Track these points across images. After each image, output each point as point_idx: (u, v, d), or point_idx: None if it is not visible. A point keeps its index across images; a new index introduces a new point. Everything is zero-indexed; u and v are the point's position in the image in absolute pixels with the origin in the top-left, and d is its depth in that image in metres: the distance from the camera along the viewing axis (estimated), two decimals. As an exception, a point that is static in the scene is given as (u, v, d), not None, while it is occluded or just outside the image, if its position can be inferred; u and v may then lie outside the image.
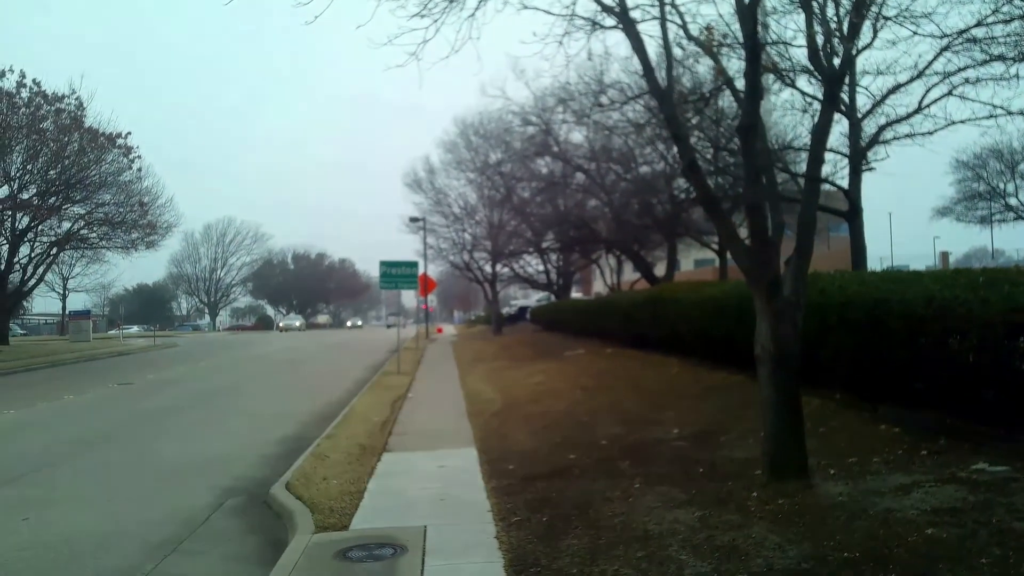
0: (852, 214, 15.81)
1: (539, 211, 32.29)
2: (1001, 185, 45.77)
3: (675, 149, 25.15)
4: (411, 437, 10.56)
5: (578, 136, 28.45)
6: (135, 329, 69.44)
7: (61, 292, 61.54)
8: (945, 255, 56.87)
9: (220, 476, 8.96)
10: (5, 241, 34.30)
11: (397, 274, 21.36)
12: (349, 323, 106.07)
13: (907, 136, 16.12)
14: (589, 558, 4.92)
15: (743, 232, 7.07)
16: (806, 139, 18.10)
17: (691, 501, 6.13)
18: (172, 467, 9.58)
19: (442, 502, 7.02)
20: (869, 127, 16.62)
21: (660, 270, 28.62)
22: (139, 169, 35.57)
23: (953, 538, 4.45)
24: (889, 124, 16.05)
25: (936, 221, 51.24)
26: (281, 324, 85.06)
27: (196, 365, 27.43)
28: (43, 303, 75.59)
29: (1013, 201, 45.55)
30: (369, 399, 14.54)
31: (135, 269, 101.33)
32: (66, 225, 36.43)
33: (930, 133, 16.04)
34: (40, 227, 35.00)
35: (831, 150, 16.41)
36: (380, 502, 7.15)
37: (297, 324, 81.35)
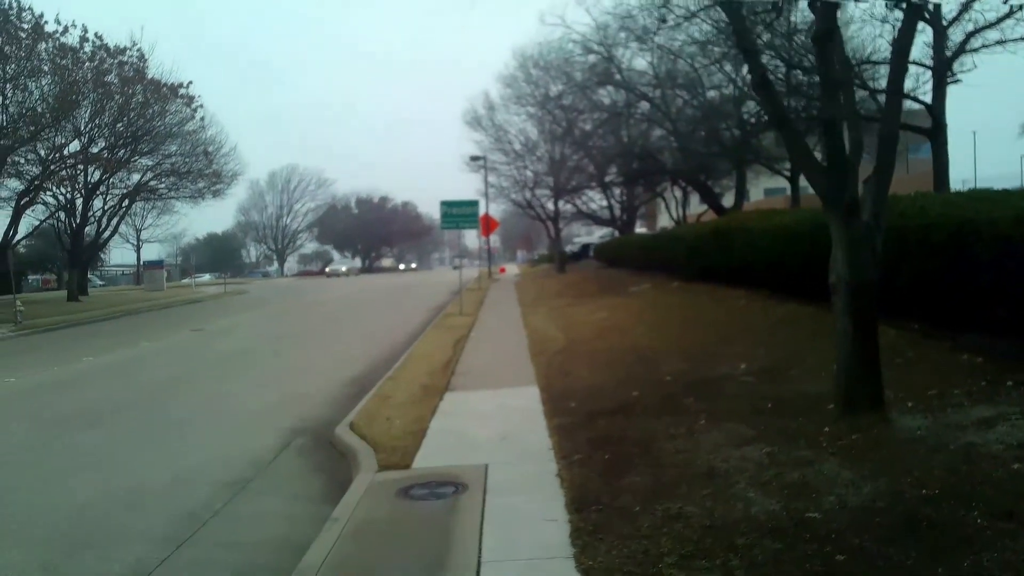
0: (935, 131, 14.77)
1: (601, 143, 31.50)
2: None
3: (744, 69, 24.04)
4: (473, 377, 10.55)
5: (641, 63, 27.43)
6: (207, 277, 71.79)
7: (135, 243, 63.84)
8: (1035, 174, 53.43)
9: (287, 417, 9.14)
10: (79, 195, 35.51)
11: (458, 214, 21.24)
12: (402, 266, 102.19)
13: (997, 43, 14.87)
14: (652, 496, 4.78)
15: (818, 154, 6.61)
16: (886, 52, 16.93)
17: (759, 438, 5.89)
18: (241, 409, 9.83)
19: (504, 441, 6.97)
20: (955, 35, 15.41)
21: (728, 201, 27.70)
22: (202, 118, 36.11)
23: (1045, 474, 4.12)
24: (977, 31, 14.82)
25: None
26: (327, 270, 79.21)
27: (264, 311, 28.19)
28: (119, 254, 78.81)
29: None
30: (431, 340, 14.62)
31: (204, 219, 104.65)
32: (135, 177, 37.46)
33: (1023, 39, 14.75)
34: (111, 180, 36.06)
35: (913, 62, 15.28)
36: (442, 441, 7.15)
37: (343, 269, 75.57)
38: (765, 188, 43.25)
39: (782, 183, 44.23)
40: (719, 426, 6.38)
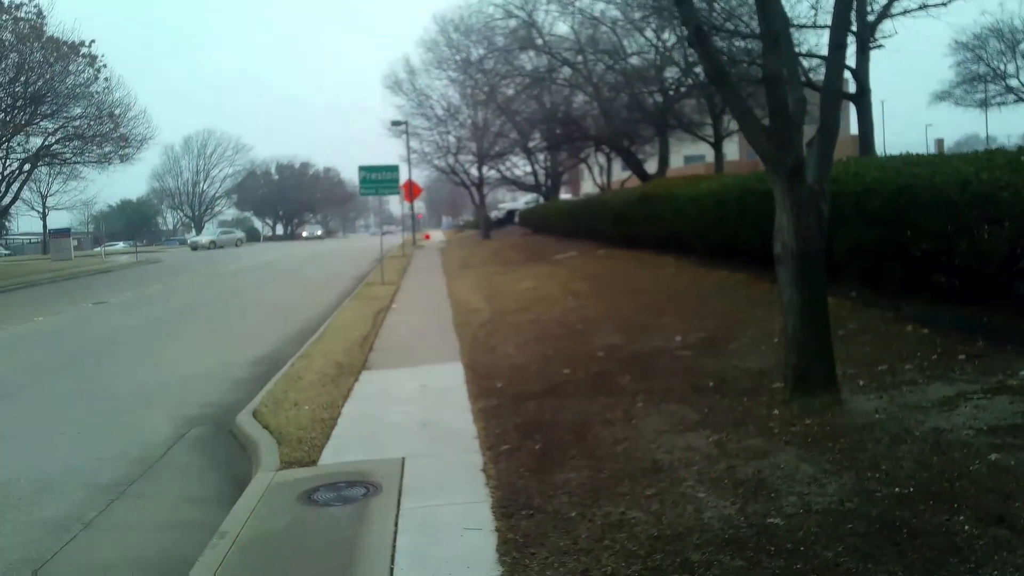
0: (860, 95, 14.66)
1: (524, 109, 30.73)
2: (1001, 66, 44.08)
3: (666, 35, 23.75)
4: (393, 353, 9.83)
5: (563, 27, 26.78)
6: (120, 245, 67.93)
7: (41, 210, 59.80)
8: (940, 142, 55.54)
9: (186, 402, 8.24)
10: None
11: (378, 179, 20.20)
12: (305, 233, 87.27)
13: (920, 8, 14.82)
14: (590, 497, 4.22)
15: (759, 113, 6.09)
16: (809, 17, 16.78)
17: (704, 422, 5.42)
18: (137, 393, 8.84)
19: (424, 427, 6.31)
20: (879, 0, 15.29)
21: (651, 167, 27.47)
22: (106, 79, 33.50)
23: None
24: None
25: (933, 107, 49.71)
26: (191, 240, 64.33)
27: (175, 281, 26.54)
28: (28, 223, 73.94)
29: (1014, 82, 43.98)
30: (350, 312, 13.77)
31: (117, 185, 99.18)
32: (36, 141, 34.69)
33: (944, 3, 14.75)
34: (8, 144, 33.24)
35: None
36: (355, 429, 6.44)
37: (206, 241, 60.04)
38: (685, 155, 43.44)
39: (702, 150, 44.62)
40: (659, 408, 5.89)
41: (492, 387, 7.37)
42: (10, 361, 11.27)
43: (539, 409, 6.35)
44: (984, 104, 46.38)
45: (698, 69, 21.21)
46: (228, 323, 14.70)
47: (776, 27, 5.38)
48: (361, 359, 9.31)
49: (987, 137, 62.50)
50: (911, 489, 3.58)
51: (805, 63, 14.83)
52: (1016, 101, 44.44)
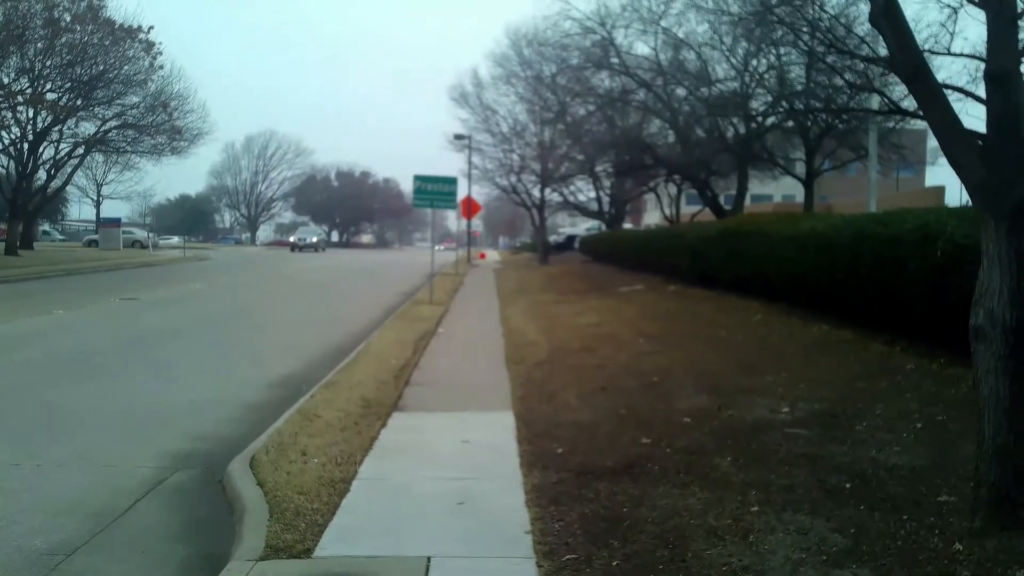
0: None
1: (595, 129, 29.27)
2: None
3: (754, 63, 22.02)
4: (432, 389, 8.37)
5: (643, 48, 25.35)
6: (175, 240, 68.59)
7: (95, 198, 60.60)
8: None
9: (180, 433, 6.91)
10: (26, 141, 32.65)
11: (433, 191, 18.88)
12: (294, 238, 63.14)
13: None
14: None
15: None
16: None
17: (854, 552, 3.79)
18: (126, 416, 7.54)
19: (460, 507, 4.81)
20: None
21: (723, 203, 25.69)
22: (161, 66, 33.26)
23: None
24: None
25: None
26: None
27: (217, 281, 25.74)
28: (87, 210, 75.41)
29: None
30: (391, 333, 12.39)
31: (177, 179, 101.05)
32: (86, 126, 34.68)
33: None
34: (62, 128, 33.24)
35: None
36: (371, 502, 4.96)
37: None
38: (752, 194, 41.42)
39: (769, 190, 42.56)
40: (782, 518, 4.27)
41: (550, 452, 5.83)
42: (3, 361, 10.14)
43: (613, 496, 4.79)
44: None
45: (786, 96, 19.59)
46: (257, 333, 13.48)
47: (1011, 9, 3.80)
48: (394, 396, 7.87)
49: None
50: None
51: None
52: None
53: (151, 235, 55.68)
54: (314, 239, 60.08)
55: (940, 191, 33.89)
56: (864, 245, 9.26)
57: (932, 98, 3.98)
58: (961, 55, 8.61)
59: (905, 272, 8.20)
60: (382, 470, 5.57)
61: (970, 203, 8.94)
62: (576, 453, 5.75)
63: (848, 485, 4.70)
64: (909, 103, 12.43)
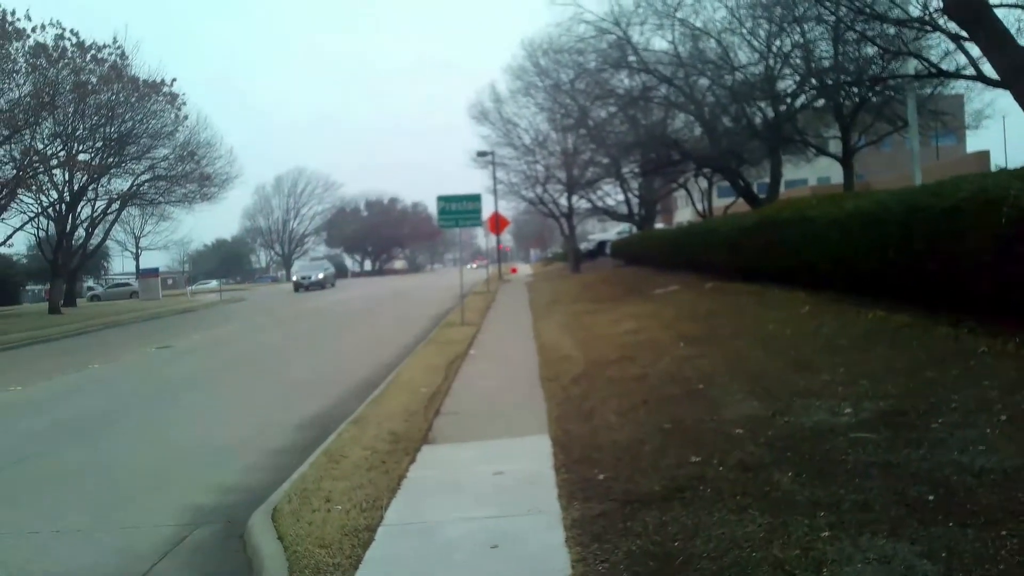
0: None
1: (618, 129, 28.74)
2: None
3: (777, 43, 21.31)
4: (464, 418, 7.92)
5: (661, 43, 24.75)
6: (213, 283, 69.61)
7: (134, 251, 61.79)
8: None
9: (204, 485, 6.58)
10: (62, 202, 33.34)
11: (458, 210, 18.52)
12: (296, 277, 50.87)
13: None
14: None
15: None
16: None
17: (953, 582, 3.22)
18: (154, 470, 7.26)
19: (494, 551, 4.34)
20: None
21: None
22: (185, 117, 33.70)
23: None
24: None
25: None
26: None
27: (249, 322, 25.74)
28: (127, 263, 76.93)
29: None
30: (421, 360, 11.98)
31: (210, 224, 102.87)
32: (118, 183, 35.30)
33: None
34: (97, 186, 33.85)
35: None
36: (397, 550, 4.51)
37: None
38: (786, 180, 40.35)
39: (803, 174, 41.36)
40: (858, 544, 3.71)
41: (591, 479, 5.33)
42: (34, 420, 9.98)
43: (662, 528, 4.27)
44: None
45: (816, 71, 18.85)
46: (287, 372, 13.19)
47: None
48: (423, 428, 7.43)
49: None
50: None
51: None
52: None
53: (187, 282, 56.29)
54: (320, 275, 47.89)
55: (984, 156, 32.53)
56: (917, 219, 8.59)
57: (1001, 40, 3.43)
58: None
59: (965, 244, 7.54)
60: (409, 513, 5.12)
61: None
62: (619, 479, 5.23)
63: (931, 497, 4.11)
64: (948, 64, 11.69)
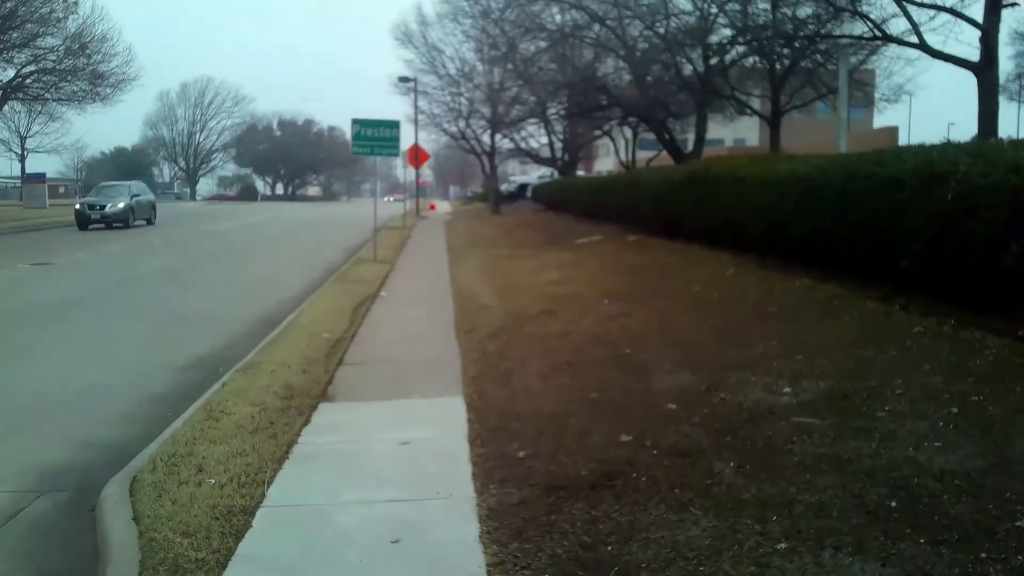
0: (985, 65, 11.67)
1: (547, 68, 27.74)
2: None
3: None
4: (370, 369, 7.19)
5: (595, -22, 23.72)
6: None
7: (19, 152, 56.76)
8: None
9: (61, 437, 5.67)
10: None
11: (374, 136, 17.26)
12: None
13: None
14: None
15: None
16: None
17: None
18: (1, 412, 6.23)
19: (395, 547, 3.67)
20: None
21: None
22: (76, 2, 30.38)
23: None
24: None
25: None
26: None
27: (145, 240, 23.89)
28: (14, 165, 70.95)
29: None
30: (327, 300, 11.07)
31: (108, 131, 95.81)
32: (4, 73, 31.80)
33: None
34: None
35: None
36: (275, 546, 3.78)
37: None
38: (707, 138, 40.33)
39: (721, 133, 41.47)
40: (821, 559, 3.23)
41: (510, 457, 4.72)
42: None
43: (592, 524, 3.70)
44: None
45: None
46: (180, 301, 12.03)
47: None
48: (323, 380, 6.64)
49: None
50: None
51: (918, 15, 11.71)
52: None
53: (78, 192, 52.24)
54: (120, 204, 29.75)
55: (894, 131, 33.26)
56: (855, 188, 8.25)
57: None
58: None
59: (906, 218, 7.24)
60: (297, 491, 4.38)
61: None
62: (541, 457, 4.64)
63: (893, 503, 3.67)
64: (894, 26, 11.35)
